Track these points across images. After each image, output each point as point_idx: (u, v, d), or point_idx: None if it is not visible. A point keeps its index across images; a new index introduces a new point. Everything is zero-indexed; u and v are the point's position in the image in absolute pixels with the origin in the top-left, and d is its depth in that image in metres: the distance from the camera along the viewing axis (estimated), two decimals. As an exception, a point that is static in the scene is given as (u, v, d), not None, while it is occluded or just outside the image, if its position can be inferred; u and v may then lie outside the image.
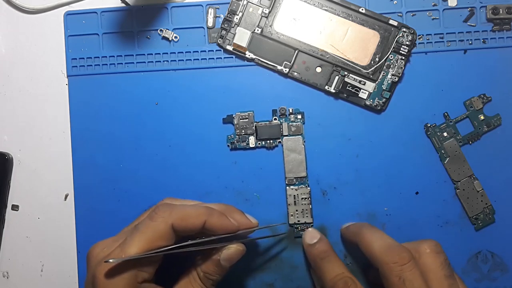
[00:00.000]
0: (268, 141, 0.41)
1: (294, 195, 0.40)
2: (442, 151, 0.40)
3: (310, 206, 0.40)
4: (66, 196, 0.42)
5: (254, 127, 0.41)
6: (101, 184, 0.41)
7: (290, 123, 0.41)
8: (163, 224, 0.32)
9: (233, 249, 0.34)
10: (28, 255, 0.42)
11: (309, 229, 0.39)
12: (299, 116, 0.41)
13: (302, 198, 0.40)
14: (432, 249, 0.34)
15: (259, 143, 0.41)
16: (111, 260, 0.30)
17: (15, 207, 0.42)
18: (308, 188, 0.41)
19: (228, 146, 0.41)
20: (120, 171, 0.41)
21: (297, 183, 0.41)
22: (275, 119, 0.41)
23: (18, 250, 0.42)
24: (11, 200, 0.42)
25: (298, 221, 0.40)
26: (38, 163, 0.42)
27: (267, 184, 0.41)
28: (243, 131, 0.41)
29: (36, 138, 0.42)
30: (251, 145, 0.41)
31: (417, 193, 0.40)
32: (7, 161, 0.42)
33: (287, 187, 0.41)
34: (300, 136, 0.41)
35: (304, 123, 0.41)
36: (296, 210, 0.40)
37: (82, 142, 0.42)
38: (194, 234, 0.34)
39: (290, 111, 0.41)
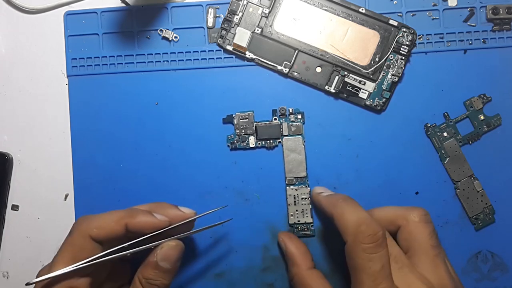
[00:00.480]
0: (268, 141, 0.41)
1: (294, 195, 0.40)
2: (442, 151, 0.40)
3: (310, 206, 0.40)
4: (66, 196, 0.42)
5: (254, 127, 0.41)
6: (101, 184, 0.41)
7: (290, 123, 0.41)
8: (80, 237, 0.32)
9: (166, 247, 0.33)
10: (28, 255, 0.42)
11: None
12: (299, 116, 0.41)
13: (302, 198, 0.40)
14: (421, 218, 0.33)
15: (259, 143, 0.41)
16: (34, 280, 0.31)
17: (15, 207, 0.42)
18: (308, 188, 0.40)
19: (228, 146, 0.41)
20: (120, 171, 0.41)
21: (297, 183, 0.41)
22: (275, 119, 0.41)
23: (18, 250, 0.42)
24: (11, 200, 0.42)
25: (298, 221, 0.40)
26: (38, 163, 0.42)
27: (267, 184, 0.41)
28: (243, 131, 0.41)
29: (36, 138, 0.42)
30: (251, 145, 0.41)
31: (417, 193, 0.40)
32: (7, 161, 0.42)
33: (287, 187, 0.41)
34: (300, 136, 0.41)
35: (304, 123, 0.41)
36: (296, 210, 0.40)
37: (82, 142, 0.42)
38: (125, 238, 0.33)
39: (290, 111, 0.41)
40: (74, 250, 0.32)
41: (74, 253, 0.32)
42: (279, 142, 0.41)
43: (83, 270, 0.32)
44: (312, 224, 0.40)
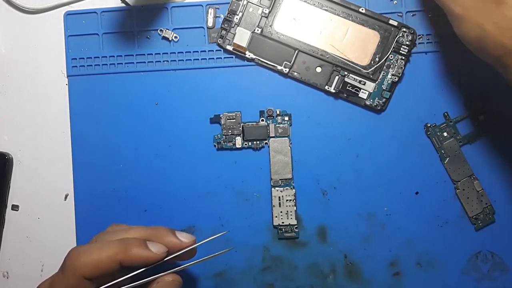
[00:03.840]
0: (254, 142, 0.41)
1: (279, 197, 0.40)
2: (442, 151, 0.40)
3: (295, 208, 0.40)
4: (66, 196, 0.42)
5: (241, 128, 0.41)
6: (101, 184, 0.41)
7: (277, 125, 0.41)
8: (73, 277, 0.31)
9: (162, 283, 0.32)
10: (28, 255, 0.42)
11: None
12: (286, 118, 0.41)
13: (287, 200, 0.40)
14: None
15: (245, 144, 0.41)
16: None
17: (15, 207, 0.42)
18: (293, 190, 0.40)
19: (215, 146, 0.41)
20: (120, 171, 0.41)
21: (282, 184, 0.41)
22: (262, 120, 0.41)
23: (18, 250, 0.42)
24: (11, 200, 0.42)
25: (282, 222, 0.40)
26: (38, 163, 0.42)
27: (267, 184, 0.41)
28: (229, 131, 0.41)
29: (36, 138, 0.42)
30: (237, 146, 0.41)
31: (417, 193, 0.40)
32: (7, 161, 0.42)
33: (272, 189, 0.41)
34: (286, 138, 0.41)
35: (291, 125, 0.41)
36: (281, 212, 0.40)
37: (82, 142, 0.42)
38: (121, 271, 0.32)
39: (278, 112, 0.41)
40: None
41: None
42: (266, 143, 0.41)
43: None
44: (296, 226, 0.40)
